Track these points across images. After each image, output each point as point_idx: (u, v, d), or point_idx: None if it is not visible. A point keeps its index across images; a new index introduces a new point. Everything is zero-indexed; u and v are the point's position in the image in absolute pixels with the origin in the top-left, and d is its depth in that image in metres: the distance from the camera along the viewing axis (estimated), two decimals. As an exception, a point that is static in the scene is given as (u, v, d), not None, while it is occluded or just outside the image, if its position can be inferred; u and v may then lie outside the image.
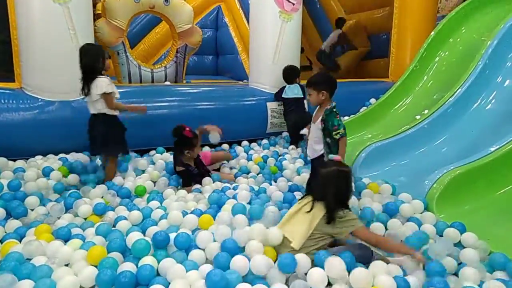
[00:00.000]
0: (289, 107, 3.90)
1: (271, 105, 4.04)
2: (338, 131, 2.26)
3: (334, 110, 2.32)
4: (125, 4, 4.27)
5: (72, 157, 2.99)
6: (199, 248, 1.71)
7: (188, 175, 2.74)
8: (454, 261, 1.71)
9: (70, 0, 3.06)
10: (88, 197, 2.35)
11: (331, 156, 1.74)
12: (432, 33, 4.11)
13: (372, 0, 6.68)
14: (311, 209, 1.68)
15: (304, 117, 3.35)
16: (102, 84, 2.49)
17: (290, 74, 3.97)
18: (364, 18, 6.89)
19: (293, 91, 3.90)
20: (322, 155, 2.30)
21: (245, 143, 3.80)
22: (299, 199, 1.81)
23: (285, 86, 3.96)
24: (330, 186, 1.66)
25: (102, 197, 2.38)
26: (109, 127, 2.61)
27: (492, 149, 2.39)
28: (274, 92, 4.04)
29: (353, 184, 1.77)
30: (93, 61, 2.52)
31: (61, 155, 3.02)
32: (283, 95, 3.93)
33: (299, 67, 4.40)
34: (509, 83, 3.07)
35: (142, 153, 3.34)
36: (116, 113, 2.63)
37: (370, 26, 6.77)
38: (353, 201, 2.27)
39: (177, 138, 2.81)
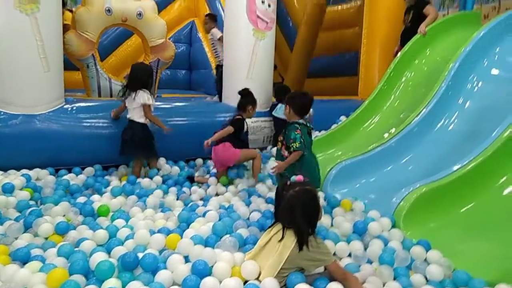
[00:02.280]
0: (279, 127, 3.80)
1: (247, 122, 4.04)
2: (294, 143, 2.36)
3: (296, 125, 2.40)
4: (97, 16, 4.19)
5: (36, 173, 2.87)
6: (167, 269, 1.66)
7: (241, 124, 3.21)
8: (422, 277, 1.75)
9: (39, 10, 2.97)
10: (49, 214, 2.24)
11: (293, 178, 1.71)
12: (399, 54, 4.28)
13: (342, 20, 6.89)
14: (282, 237, 1.61)
15: None
16: (145, 96, 3.05)
17: (279, 93, 4.12)
18: (333, 36, 7.10)
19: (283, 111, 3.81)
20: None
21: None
22: (268, 227, 1.75)
23: (276, 103, 4.00)
24: (297, 207, 1.60)
25: (64, 215, 2.27)
26: (141, 132, 3.10)
27: (455, 168, 2.48)
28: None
29: (320, 203, 1.74)
30: (146, 77, 3.14)
31: (24, 171, 2.89)
32: (273, 113, 3.97)
33: (272, 83, 4.47)
34: (470, 104, 3.23)
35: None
36: (146, 122, 3.12)
37: (340, 45, 6.97)
38: (324, 220, 2.30)
39: (243, 96, 3.34)
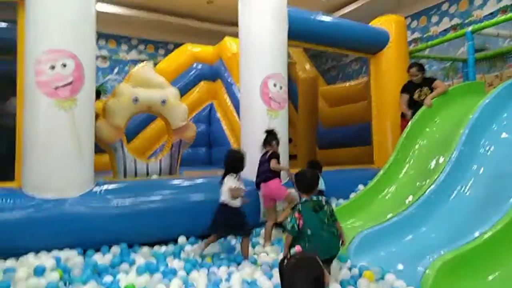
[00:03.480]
0: None
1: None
2: (287, 226, 2.51)
3: (298, 206, 2.55)
4: (125, 106, 4.60)
5: (66, 254, 2.98)
6: None
7: (277, 156, 3.72)
8: None
9: (76, 106, 3.34)
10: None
11: (293, 251, 1.72)
12: (410, 123, 4.46)
13: (352, 95, 7.29)
14: None
15: None
16: (229, 182, 3.23)
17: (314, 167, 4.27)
18: (345, 109, 7.45)
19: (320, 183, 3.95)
20: None
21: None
22: None
23: None
24: (298, 281, 1.55)
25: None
26: (230, 213, 3.21)
27: (477, 234, 2.47)
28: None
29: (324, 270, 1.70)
30: (234, 163, 3.34)
31: (55, 252, 3.01)
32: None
33: (288, 157, 4.65)
34: (484, 169, 3.28)
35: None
36: (236, 204, 3.22)
37: (352, 117, 7.29)
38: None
39: (269, 133, 3.88)
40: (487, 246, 2.40)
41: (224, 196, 3.20)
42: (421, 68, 4.94)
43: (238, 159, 3.36)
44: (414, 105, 4.80)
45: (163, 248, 3.37)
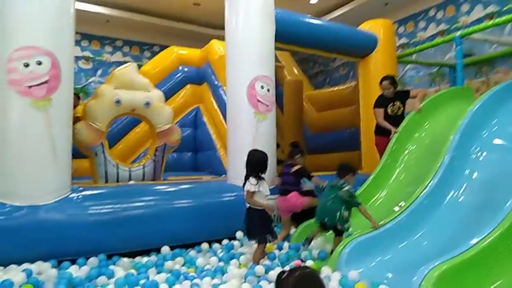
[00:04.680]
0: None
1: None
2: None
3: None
4: (107, 107, 4.41)
5: (38, 266, 2.77)
6: None
7: (303, 172, 3.84)
8: None
9: (51, 106, 3.15)
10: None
11: (292, 264, 1.62)
12: (399, 128, 4.39)
13: (339, 100, 7.23)
14: None
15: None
16: (249, 184, 3.02)
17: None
18: (333, 114, 7.38)
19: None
20: None
21: (225, 241, 3.66)
22: None
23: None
24: None
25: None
26: (252, 217, 3.06)
27: (473, 242, 2.38)
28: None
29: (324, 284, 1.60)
30: (260, 165, 3.13)
31: (25, 265, 2.78)
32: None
33: (276, 161, 4.53)
34: (477, 175, 3.21)
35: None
36: (257, 207, 3.05)
37: (340, 122, 7.22)
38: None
39: (292, 147, 4.14)
40: (485, 254, 2.30)
41: (247, 200, 3.08)
42: (393, 81, 4.80)
43: (258, 161, 3.14)
44: (389, 120, 4.69)
45: (145, 259, 3.18)
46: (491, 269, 2.29)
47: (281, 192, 3.91)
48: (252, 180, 3.01)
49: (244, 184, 3.06)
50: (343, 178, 3.19)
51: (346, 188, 3.11)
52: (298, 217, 3.91)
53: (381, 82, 4.85)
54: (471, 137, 3.47)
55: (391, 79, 4.80)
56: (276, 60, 5.20)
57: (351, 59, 6.18)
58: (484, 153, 3.36)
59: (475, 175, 3.22)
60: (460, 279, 2.24)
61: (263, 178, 3.07)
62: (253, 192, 3.01)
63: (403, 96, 4.79)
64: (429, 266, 2.29)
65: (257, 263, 2.95)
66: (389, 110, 4.78)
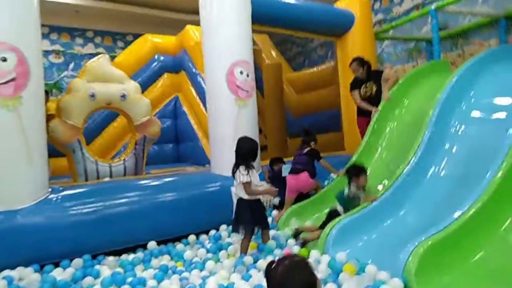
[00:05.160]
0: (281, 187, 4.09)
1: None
2: None
3: None
4: (81, 102, 4.27)
5: (19, 272, 2.68)
6: None
7: (315, 154, 4.05)
8: None
9: (21, 105, 3.00)
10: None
11: (281, 253, 1.58)
12: (379, 107, 4.39)
13: (319, 81, 7.20)
14: None
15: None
16: (242, 175, 2.89)
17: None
18: (314, 96, 7.36)
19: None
20: None
21: (213, 231, 3.63)
22: None
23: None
24: (290, 285, 1.44)
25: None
26: (243, 207, 2.97)
27: (456, 215, 2.41)
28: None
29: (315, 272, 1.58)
30: (245, 153, 2.97)
31: (6, 272, 2.69)
32: (283, 175, 4.14)
33: (259, 147, 4.49)
34: (457, 148, 3.25)
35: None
36: (250, 197, 2.96)
37: (321, 103, 7.21)
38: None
39: (305, 135, 4.22)
40: (468, 227, 2.34)
41: (237, 190, 2.99)
42: (362, 62, 4.69)
43: (249, 149, 3.01)
44: (365, 101, 4.67)
45: (131, 256, 3.12)
46: (473, 242, 2.33)
47: (292, 171, 4.03)
48: (243, 170, 2.91)
49: (234, 172, 2.97)
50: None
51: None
52: (299, 200, 3.94)
53: (350, 64, 4.77)
54: (449, 111, 3.49)
55: (359, 60, 4.69)
56: (254, 43, 5.10)
57: (329, 38, 6.12)
58: (463, 126, 3.39)
59: (455, 148, 3.26)
60: (445, 253, 2.27)
61: (253, 167, 2.98)
62: (248, 182, 2.91)
63: (376, 76, 4.67)
64: (415, 243, 2.32)
65: (245, 253, 2.91)
66: (362, 92, 4.72)
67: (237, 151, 3.03)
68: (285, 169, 4.19)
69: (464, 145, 3.25)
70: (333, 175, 4.26)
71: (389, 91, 4.38)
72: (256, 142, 3.13)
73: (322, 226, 3.13)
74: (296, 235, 3.21)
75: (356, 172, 3.25)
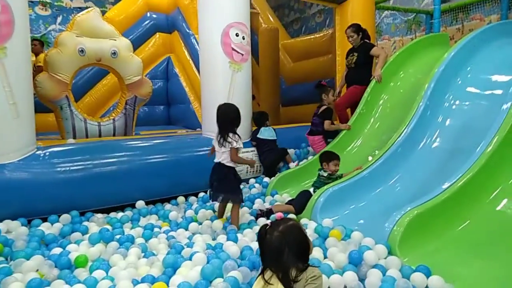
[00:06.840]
0: (265, 147, 4.26)
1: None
2: None
3: None
4: (70, 57, 4.11)
5: (6, 225, 2.67)
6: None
7: (328, 113, 4.14)
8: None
9: (6, 56, 2.87)
10: (20, 271, 2.05)
11: (273, 217, 1.59)
12: (368, 88, 4.30)
13: (315, 49, 7.05)
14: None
15: (281, 155, 4.26)
16: (233, 141, 2.78)
17: (259, 119, 4.44)
18: (309, 64, 7.23)
19: (268, 133, 4.31)
20: None
21: (201, 194, 3.65)
22: (259, 275, 1.56)
23: (258, 129, 4.31)
24: (285, 249, 1.47)
25: (37, 270, 2.09)
26: (229, 175, 2.85)
27: (444, 186, 2.45)
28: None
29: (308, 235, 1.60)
30: (233, 119, 2.85)
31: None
32: (259, 136, 4.24)
33: (251, 114, 4.45)
34: (450, 122, 3.26)
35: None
36: (234, 165, 2.87)
37: (316, 72, 7.10)
38: (316, 253, 2.20)
39: (316, 87, 4.28)
40: (456, 198, 2.38)
41: (223, 157, 2.80)
42: (357, 29, 4.50)
43: (235, 115, 2.85)
44: (347, 72, 4.61)
45: (120, 214, 3.13)
46: (460, 212, 2.38)
47: (308, 131, 4.31)
48: (234, 136, 2.79)
49: (219, 141, 2.81)
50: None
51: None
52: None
53: (346, 30, 4.61)
54: (445, 85, 3.48)
55: (355, 27, 4.52)
56: (251, 6, 4.92)
57: (328, 4, 5.93)
58: (457, 101, 3.39)
59: (448, 122, 3.27)
60: (431, 223, 2.32)
61: (238, 134, 2.84)
62: (238, 149, 2.80)
63: (365, 48, 4.49)
64: (401, 212, 2.36)
65: (238, 227, 2.75)
66: (346, 62, 4.63)
67: (222, 117, 2.84)
68: (264, 131, 4.29)
69: (457, 119, 3.26)
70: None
71: (381, 70, 4.28)
72: (237, 107, 2.96)
73: (291, 202, 3.12)
74: (268, 214, 2.93)
75: (327, 158, 3.24)
